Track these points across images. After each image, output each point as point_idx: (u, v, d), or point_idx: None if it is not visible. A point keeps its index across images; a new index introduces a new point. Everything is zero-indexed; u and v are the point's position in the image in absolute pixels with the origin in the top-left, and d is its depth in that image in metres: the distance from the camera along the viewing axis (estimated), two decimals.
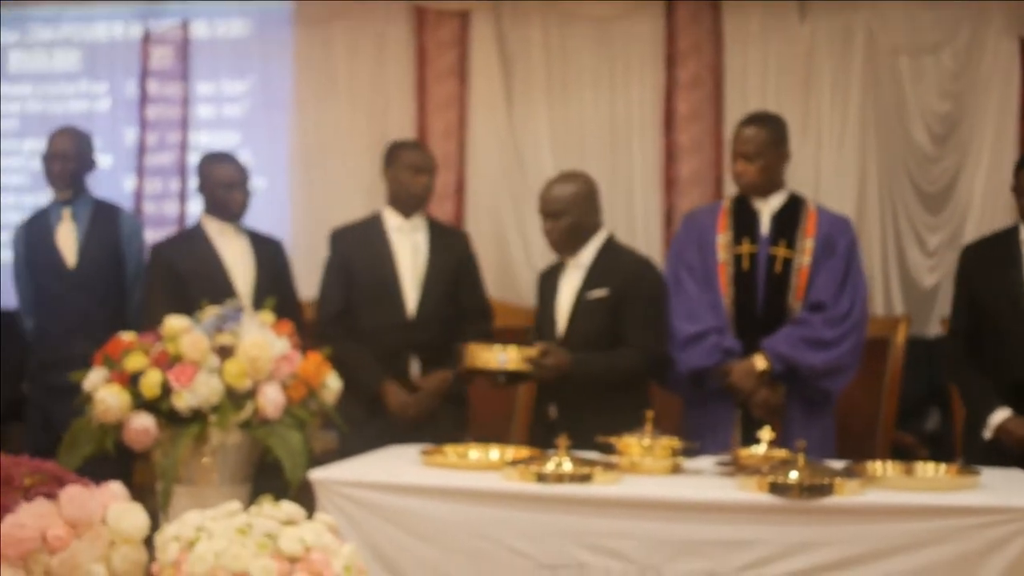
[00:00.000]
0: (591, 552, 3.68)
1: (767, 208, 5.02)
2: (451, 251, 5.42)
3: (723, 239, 5.01)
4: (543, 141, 6.97)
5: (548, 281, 5.10)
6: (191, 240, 5.41)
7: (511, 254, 7.03)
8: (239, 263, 5.37)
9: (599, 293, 4.89)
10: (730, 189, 6.71)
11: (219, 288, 5.15)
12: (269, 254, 5.50)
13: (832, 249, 4.94)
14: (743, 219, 5.02)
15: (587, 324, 4.91)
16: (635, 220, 6.73)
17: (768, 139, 4.98)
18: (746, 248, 4.98)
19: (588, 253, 4.96)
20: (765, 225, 5.01)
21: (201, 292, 4.97)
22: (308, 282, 5.78)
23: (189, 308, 4.56)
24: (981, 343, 4.87)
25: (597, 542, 3.69)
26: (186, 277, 5.25)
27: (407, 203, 5.36)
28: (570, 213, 4.95)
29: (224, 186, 5.38)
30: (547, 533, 3.72)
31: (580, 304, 4.94)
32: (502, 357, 4.68)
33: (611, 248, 5.00)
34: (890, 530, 3.58)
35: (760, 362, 4.82)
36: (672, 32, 6.76)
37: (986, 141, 6.36)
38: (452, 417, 5.25)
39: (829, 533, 3.60)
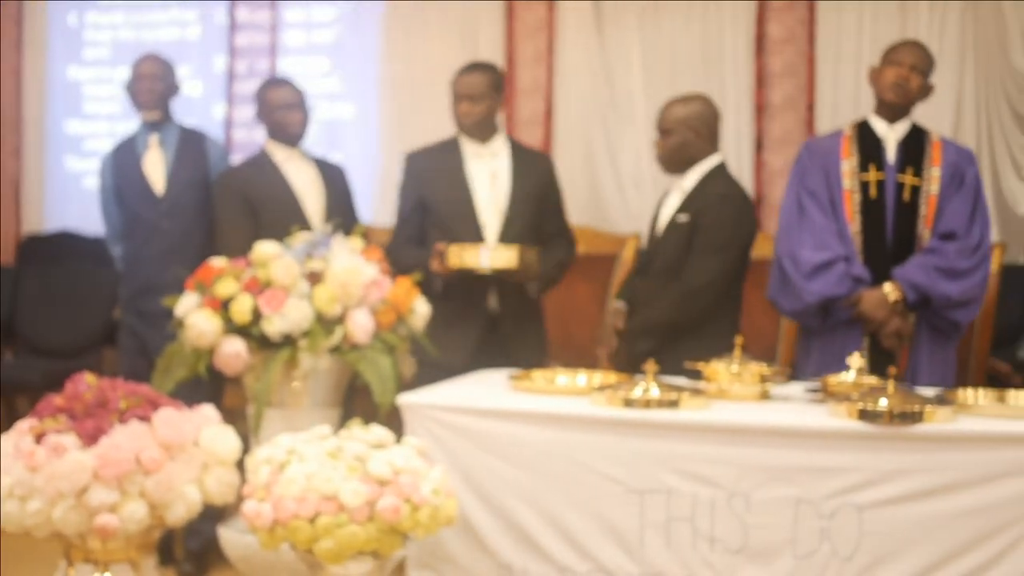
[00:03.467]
0: (679, 477, 3.68)
1: (893, 135, 4.89)
2: (535, 176, 5.23)
3: (848, 166, 4.88)
4: (634, 66, 6.92)
5: (660, 202, 5.06)
6: (259, 167, 5.38)
7: (600, 180, 7.00)
8: (308, 189, 5.36)
9: (683, 218, 4.84)
10: (821, 115, 6.65)
11: (291, 214, 5.17)
12: (335, 179, 5.50)
13: (961, 179, 4.81)
14: (868, 145, 4.89)
15: (668, 248, 4.87)
16: (726, 145, 6.61)
17: (929, 62, 4.86)
18: (873, 175, 4.86)
19: (692, 178, 4.89)
20: (891, 152, 4.89)
21: (273, 218, 5.02)
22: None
23: (262, 234, 4.59)
24: None
25: (685, 467, 3.68)
26: (257, 203, 5.24)
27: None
28: (678, 133, 4.89)
29: (283, 107, 5.37)
30: (635, 458, 3.72)
31: (669, 227, 4.90)
32: (484, 256, 4.74)
33: (713, 176, 4.89)
34: (981, 458, 3.53)
35: (892, 291, 4.74)
36: None
37: None
38: (533, 339, 5.22)
39: (919, 461, 3.55)
